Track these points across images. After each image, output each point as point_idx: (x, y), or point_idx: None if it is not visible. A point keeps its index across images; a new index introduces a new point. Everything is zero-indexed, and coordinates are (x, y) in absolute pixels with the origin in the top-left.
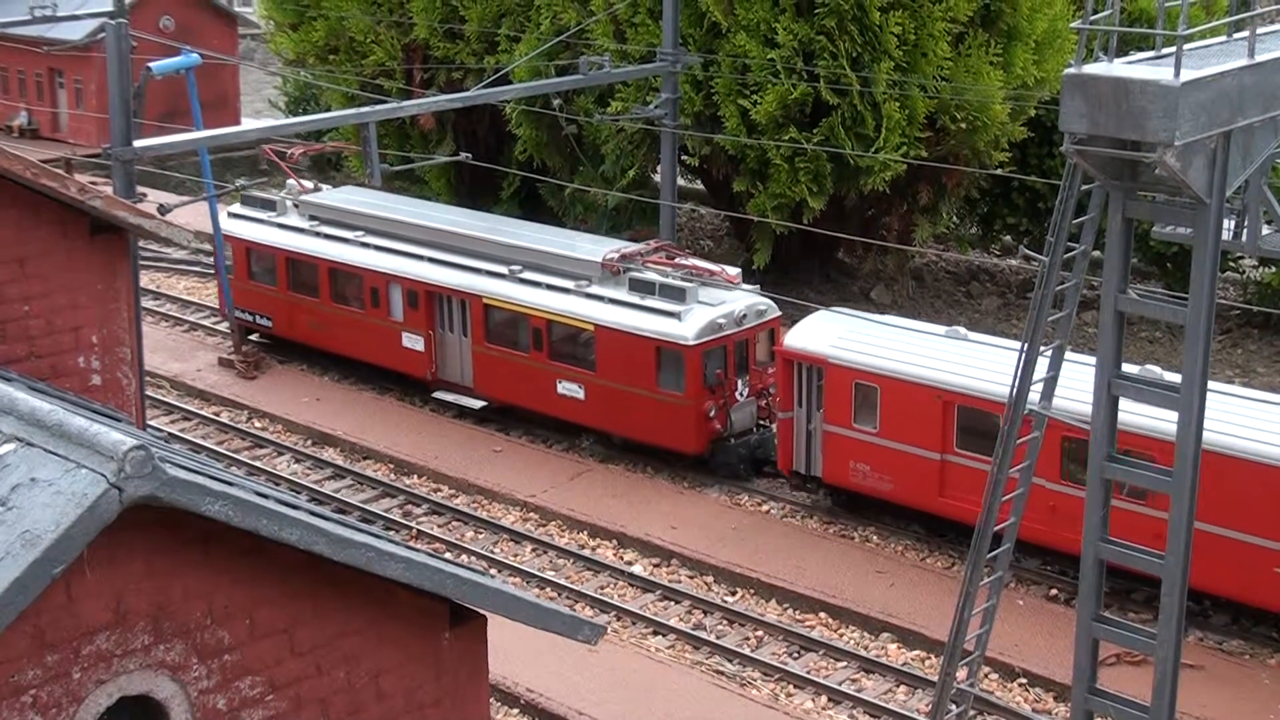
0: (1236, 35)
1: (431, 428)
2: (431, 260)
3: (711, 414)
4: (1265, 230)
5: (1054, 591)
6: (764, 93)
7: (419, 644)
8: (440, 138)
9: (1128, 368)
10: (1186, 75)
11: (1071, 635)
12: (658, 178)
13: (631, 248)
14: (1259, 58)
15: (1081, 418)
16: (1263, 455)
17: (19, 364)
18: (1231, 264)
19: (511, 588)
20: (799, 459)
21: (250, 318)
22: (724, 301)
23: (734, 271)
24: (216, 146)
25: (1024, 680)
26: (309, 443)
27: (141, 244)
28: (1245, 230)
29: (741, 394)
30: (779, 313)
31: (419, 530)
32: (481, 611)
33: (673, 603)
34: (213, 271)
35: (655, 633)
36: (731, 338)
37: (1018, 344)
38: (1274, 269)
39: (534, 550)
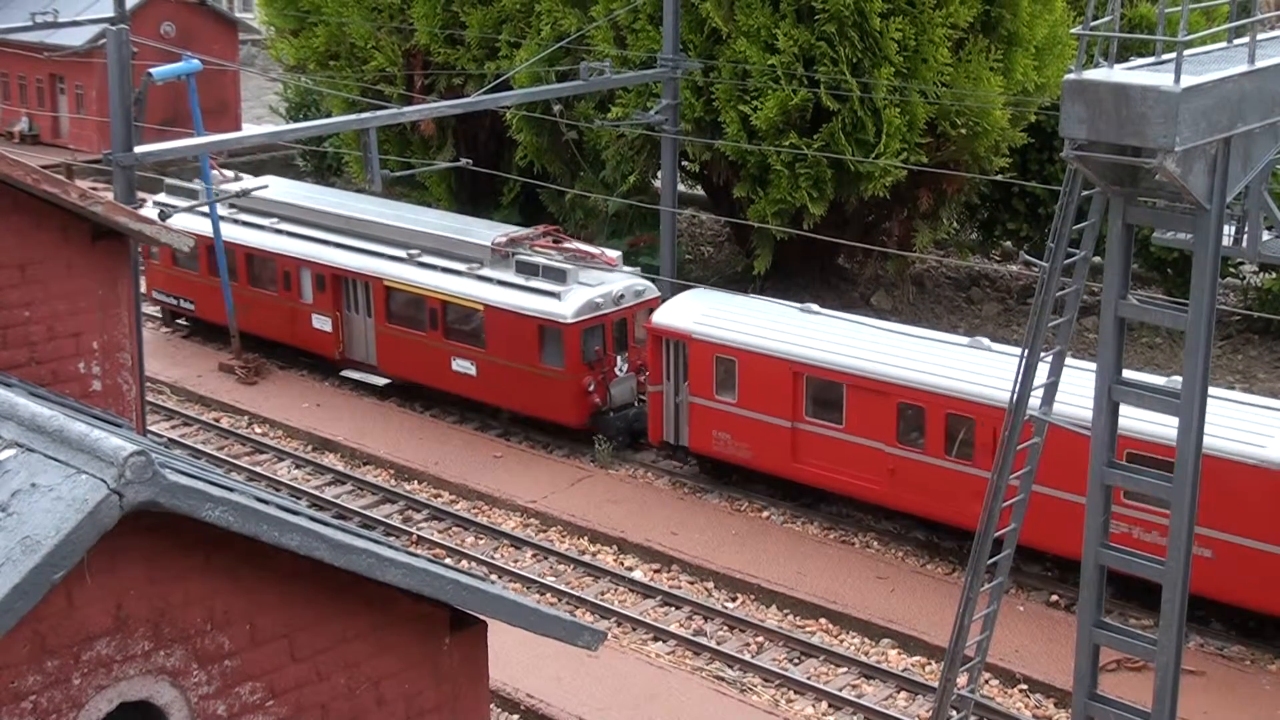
0: (1237, 41)
1: (432, 433)
2: (338, 245)
3: (591, 388)
4: (1265, 236)
5: (1054, 597)
6: (764, 98)
7: (419, 650)
8: (441, 143)
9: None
10: (1187, 81)
11: (1072, 641)
12: (658, 183)
13: (520, 233)
14: (1259, 64)
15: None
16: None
17: (20, 369)
18: (1232, 270)
19: (512, 593)
20: (668, 430)
21: (174, 301)
22: (603, 282)
23: (614, 254)
24: (217, 152)
25: (1024, 686)
26: (309, 448)
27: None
28: (1246, 236)
29: (621, 369)
30: (658, 293)
31: (419, 536)
32: (482, 617)
33: (673, 608)
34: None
35: (655, 638)
36: (610, 316)
37: (864, 319)
38: (1274, 275)
39: (534, 556)
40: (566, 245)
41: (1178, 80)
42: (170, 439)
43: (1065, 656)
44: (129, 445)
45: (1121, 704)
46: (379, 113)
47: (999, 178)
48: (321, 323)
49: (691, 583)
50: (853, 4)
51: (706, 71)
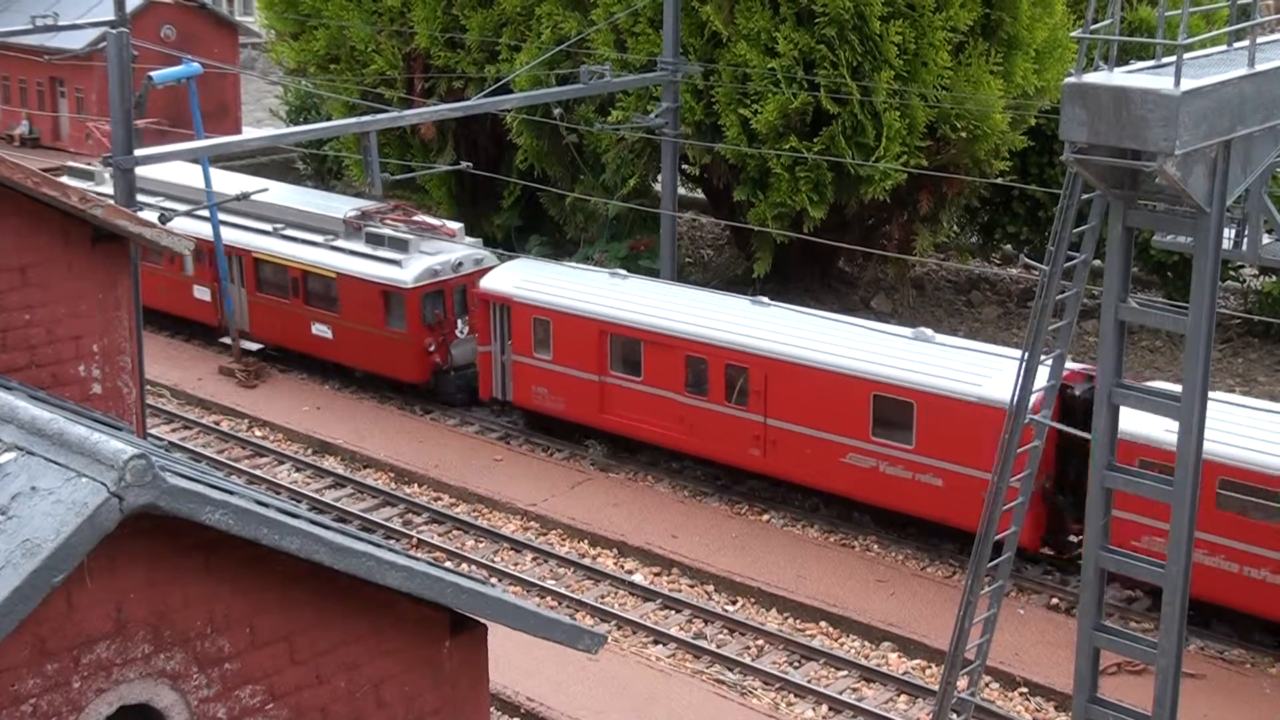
0: (1237, 44)
1: (432, 436)
2: (217, 222)
3: (432, 348)
4: (1266, 239)
5: (1055, 600)
6: (764, 102)
7: (419, 653)
8: (441, 147)
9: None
10: (1187, 84)
11: (1072, 644)
12: (658, 187)
13: (372, 207)
14: (1259, 67)
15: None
16: (823, 363)
17: (20, 372)
18: (1232, 273)
19: (512, 597)
20: (496, 387)
21: None
22: (442, 252)
23: (455, 226)
24: (217, 156)
25: (1025, 689)
26: (309, 451)
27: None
28: (1246, 239)
29: (461, 332)
30: (496, 262)
31: (419, 539)
32: (482, 620)
33: (673, 612)
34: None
35: (656, 642)
36: (449, 282)
37: (667, 284)
38: (1275, 278)
39: (534, 559)
40: (414, 219)
41: (1178, 83)
42: (170, 442)
43: (1066, 660)
44: (129, 448)
45: (1122, 707)
46: (379, 116)
47: (999, 181)
48: (201, 293)
49: (692, 586)
50: (853, 7)
51: (707, 75)
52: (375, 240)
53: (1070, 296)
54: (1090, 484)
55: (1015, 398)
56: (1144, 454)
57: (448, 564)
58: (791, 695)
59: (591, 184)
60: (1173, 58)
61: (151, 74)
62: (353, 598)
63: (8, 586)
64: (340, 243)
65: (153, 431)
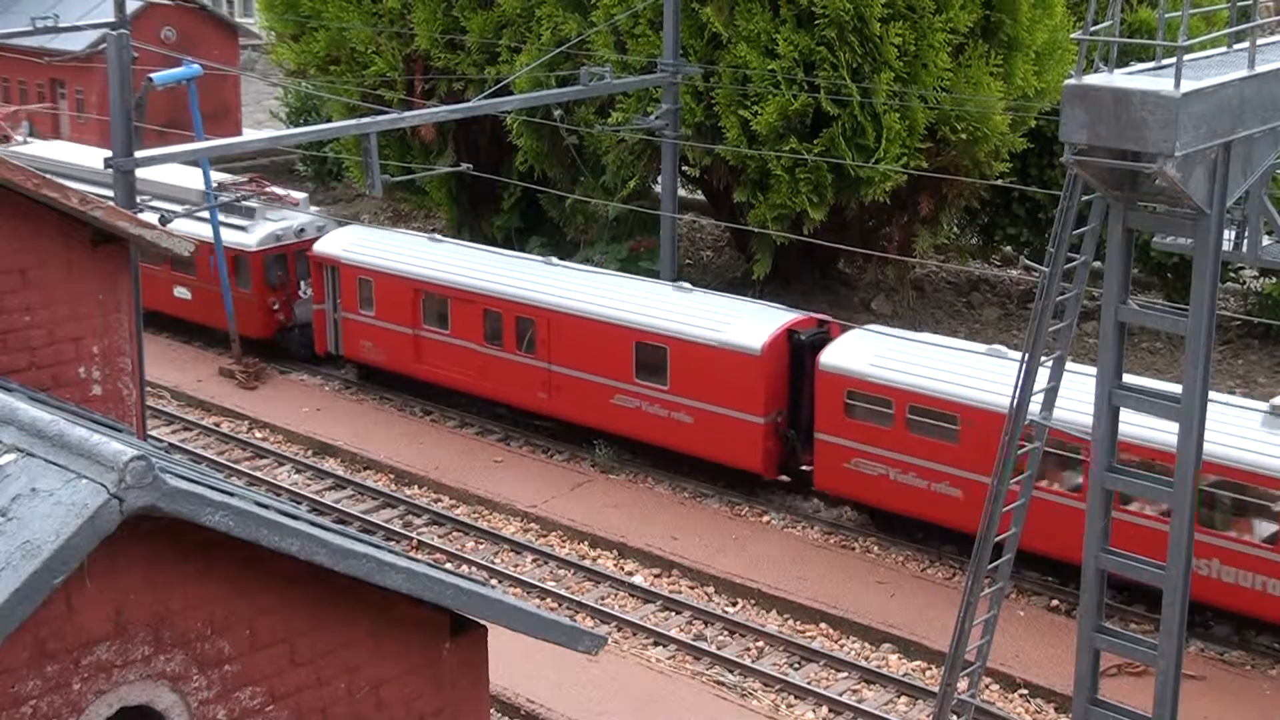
0: (1237, 46)
1: (432, 438)
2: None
3: (275, 307)
4: (1266, 241)
5: (1055, 602)
6: (764, 103)
7: (419, 654)
8: (441, 148)
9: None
10: (1187, 86)
11: (1072, 646)
12: (658, 188)
13: (228, 180)
14: (1259, 69)
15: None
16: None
17: (20, 374)
18: (1232, 275)
19: (512, 598)
20: (330, 342)
21: None
22: (286, 219)
23: (300, 196)
24: (218, 157)
25: (1025, 691)
26: (309, 453)
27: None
28: (1246, 241)
29: (305, 293)
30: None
31: (419, 540)
32: (482, 622)
33: (673, 613)
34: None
35: (656, 643)
36: (292, 247)
37: (478, 246)
38: (1275, 279)
39: (534, 561)
40: (265, 190)
41: (1178, 85)
42: (170, 444)
43: (1066, 661)
44: (129, 450)
45: (1122, 709)
46: (379, 118)
47: (999, 183)
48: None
49: (692, 587)
50: (853, 9)
51: (707, 76)
52: (226, 209)
53: (1070, 298)
54: (1090, 486)
55: (1015, 399)
56: (852, 385)
57: (448, 565)
58: (791, 697)
59: (591, 186)
60: (1173, 59)
61: (152, 76)
62: (353, 599)
63: (8, 588)
64: (200, 213)
65: (153, 433)
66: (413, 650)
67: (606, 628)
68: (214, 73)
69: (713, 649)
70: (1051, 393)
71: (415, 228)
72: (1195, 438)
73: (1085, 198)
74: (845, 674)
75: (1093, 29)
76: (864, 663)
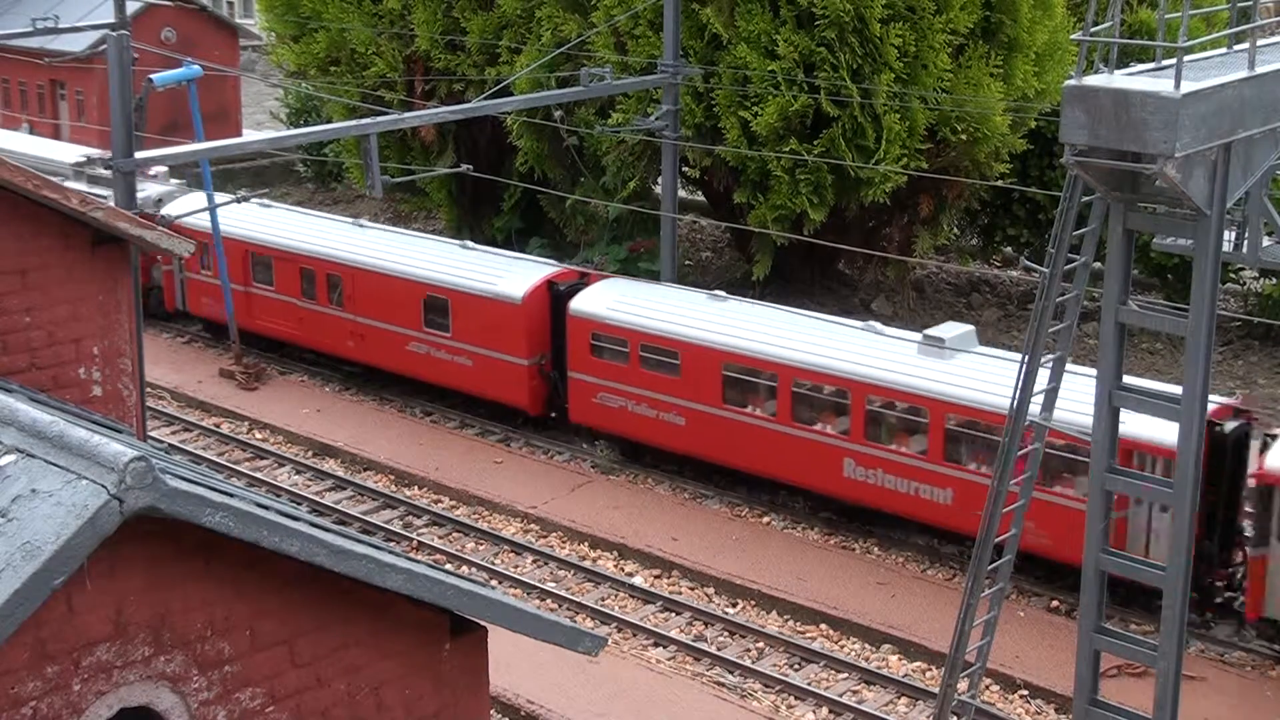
0: (1237, 47)
1: (432, 439)
2: None
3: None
4: (1266, 242)
5: (1055, 603)
6: (765, 104)
7: (419, 655)
8: (441, 149)
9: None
10: (1187, 87)
11: (1072, 647)
12: (658, 189)
13: (98, 155)
14: (1259, 70)
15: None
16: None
17: (20, 375)
18: (1232, 275)
19: (512, 599)
20: (178, 299)
21: None
22: (146, 189)
23: (162, 168)
24: (218, 158)
25: (1025, 692)
26: (310, 454)
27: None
28: (1246, 242)
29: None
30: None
31: (419, 541)
32: (482, 623)
33: (673, 614)
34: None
35: (656, 644)
36: (151, 216)
37: (317, 213)
38: (1274, 280)
39: (535, 562)
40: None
41: (1178, 86)
42: (171, 444)
43: (1066, 662)
44: (129, 451)
45: (1122, 710)
46: (379, 119)
47: (999, 183)
48: None
49: (692, 588)
50: (853, 10)
51: (707, 77)
52: (92, 180)
53: (1070, 299)
54: (1090, 487)
55: (1015, 400)
56: (596, 328)
57: (448, 566)
58: (792, 698)
59: (592, 186)
60: (1173, 60)
61: (152, 77)
62: (353, 600)
63: (8, 589)
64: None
65: (153, 434)
66: (413, 651)
67: (606, 629)
68: (214, 74)
69: (713, 650)
70: (1052, 393)
71: (416, 228)
72: (1195, 438)
73: (1085, 199)
74: (845, 675)
75: (1093, 30)
76: (864, 664)
